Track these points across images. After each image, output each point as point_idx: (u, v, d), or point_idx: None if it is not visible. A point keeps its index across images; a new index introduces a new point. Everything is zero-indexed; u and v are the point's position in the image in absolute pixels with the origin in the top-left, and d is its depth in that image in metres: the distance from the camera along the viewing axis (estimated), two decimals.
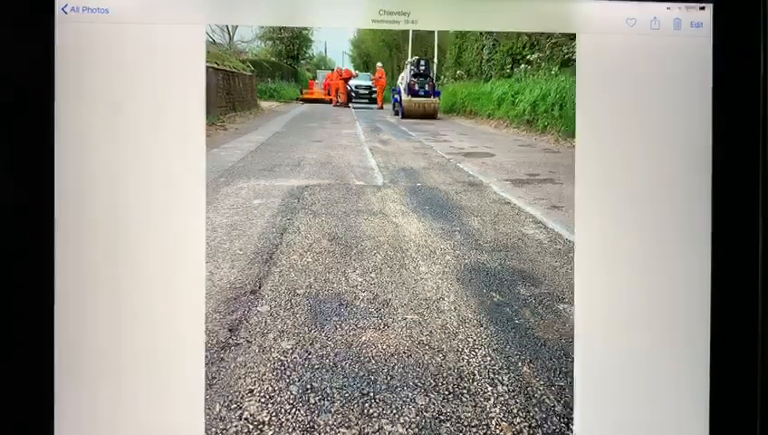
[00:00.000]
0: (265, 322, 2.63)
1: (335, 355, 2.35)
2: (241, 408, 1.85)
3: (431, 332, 2.57)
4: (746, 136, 0.66)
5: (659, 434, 0.78)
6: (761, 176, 0.66)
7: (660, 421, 0.79)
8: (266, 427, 1.75)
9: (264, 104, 11.30)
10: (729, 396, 0.72)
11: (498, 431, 1.78)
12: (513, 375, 2.18)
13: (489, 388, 2.06)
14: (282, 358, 2.28)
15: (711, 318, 0.73)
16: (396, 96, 14.36)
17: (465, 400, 1.96)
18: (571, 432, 0.83)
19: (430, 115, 12.73)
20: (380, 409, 1.89)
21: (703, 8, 0.74)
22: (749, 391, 0.69)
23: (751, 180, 0.66)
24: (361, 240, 3.78)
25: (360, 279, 3.16)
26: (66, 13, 0.82)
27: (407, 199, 5.14)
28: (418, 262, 3.39)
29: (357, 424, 1.78)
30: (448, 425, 1.78)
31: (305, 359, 2.30)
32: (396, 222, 4.37)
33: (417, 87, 12.97)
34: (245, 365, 2.15)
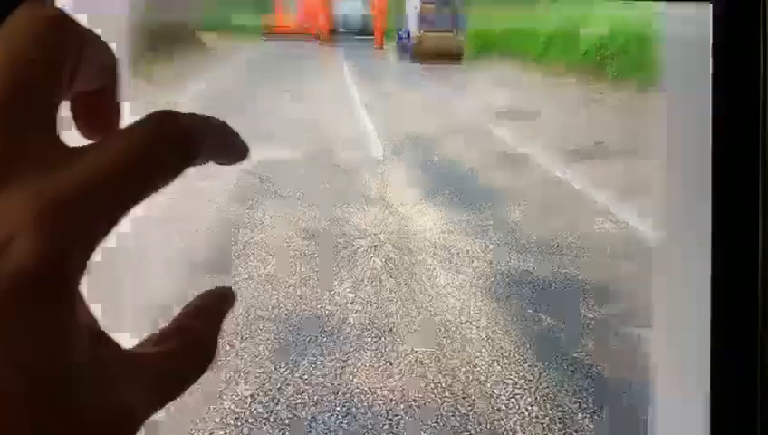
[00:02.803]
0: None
1: (315, 405, 2.34)
2: None
3: (453, 371, 2.56)
4: (746, 136, 0.87)
5: None
6: (761, 176, 0.87)
7: None
8: None
9: (210, 40, 11.17)
10: (729, 396, 0.89)
11: None
12: (570, 432, 2.18)
13: None
14: (238, 409, 2.27)
15: (711, 318, 0.88)
16: (402, 29, 14.24)
17: None
18: None
19: (452, 57, 12.60)
20: None
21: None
22: (749, 391, 0.88)
23: (751, 181, 0.87)
24: (352, 239, 3.75)
25: (351, 295, 3.14)
26: None
27: (418, 180, 5.05)
28: (435, 270, 3.39)
29: None
30: None
31: (272, 411, 2.30)
32: (402, 213, 4.30)
33: (432, 16, 12.84)
34: (186, 419, 2.15)
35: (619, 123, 6.80)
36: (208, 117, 0.30)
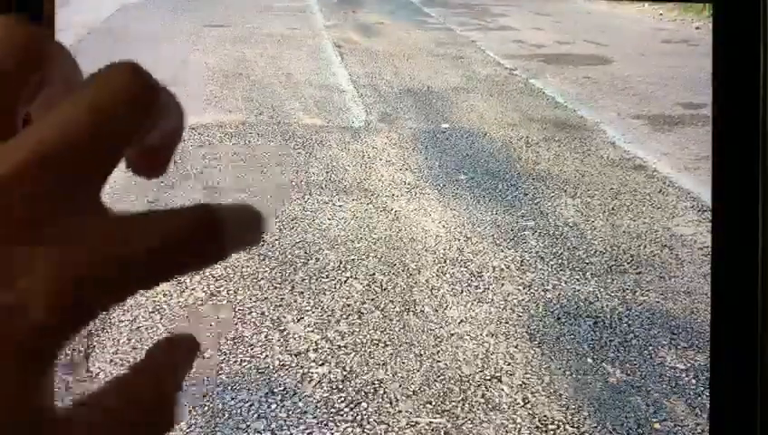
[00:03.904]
0: None
1: None
2: None
3: None
4: (746, 136, 1.18)
5: None
6: (761, 176, 1.18)
7: None
8: None
9: None
10: (729, 396, 1.17)
11: None
12: None
13: None
14: None
15: (711, 318, 1.17)
16: None
17: None
18: None
19: None
20: None
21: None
22: (749, 392, 1.16)
23: (751, 180, 1.18)
24: (317, 250, 3.79)
25: (315, 337, 3.17)
26: None
27: (419, 159, 5.11)
28: (444, 298, 3.41)
29: None
30: None
31: None
32: (394, 210, 4.35)
33: None
34: None
35: None
36: (240, 207, 0.39)
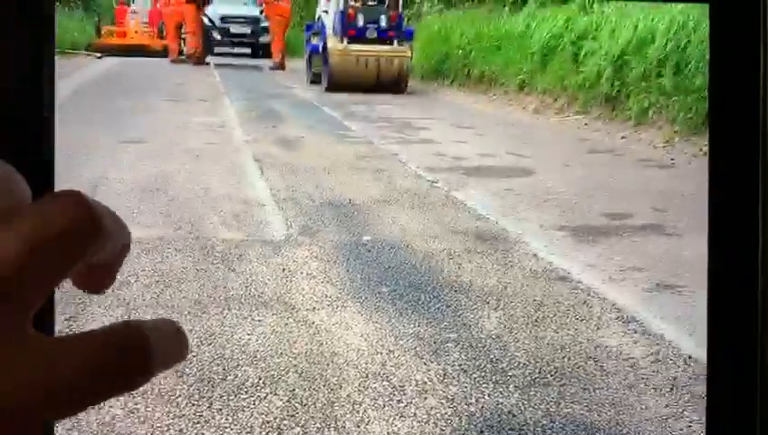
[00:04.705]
0: None
1: None
2: None
3: None
4: (745, 137, 1.16)
5: None
6: (761, 177, 1.16)
7: None
8: None
9: None
10: (728, 397, 1.16)
11: None
12: None
13: None
14: None
15: (709, 318, 1.12)
16: (314, 42, 14.40)
17: None
18: None
19: (391, 83, 12.77)
20: None
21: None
22: (748, 393, 1.13)
23: (750, 182, 1.16)
24: (235, 366, 3.79)
25: None
26: None
27: (340, 273, 5.13)
28: (366, 413, 3.41)
29: None
30: None
31: None
32: (315, 324, 4.35)
33: (361, 21, 13.08)
34: None
35: (646, 186, 6.93)
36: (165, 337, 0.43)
